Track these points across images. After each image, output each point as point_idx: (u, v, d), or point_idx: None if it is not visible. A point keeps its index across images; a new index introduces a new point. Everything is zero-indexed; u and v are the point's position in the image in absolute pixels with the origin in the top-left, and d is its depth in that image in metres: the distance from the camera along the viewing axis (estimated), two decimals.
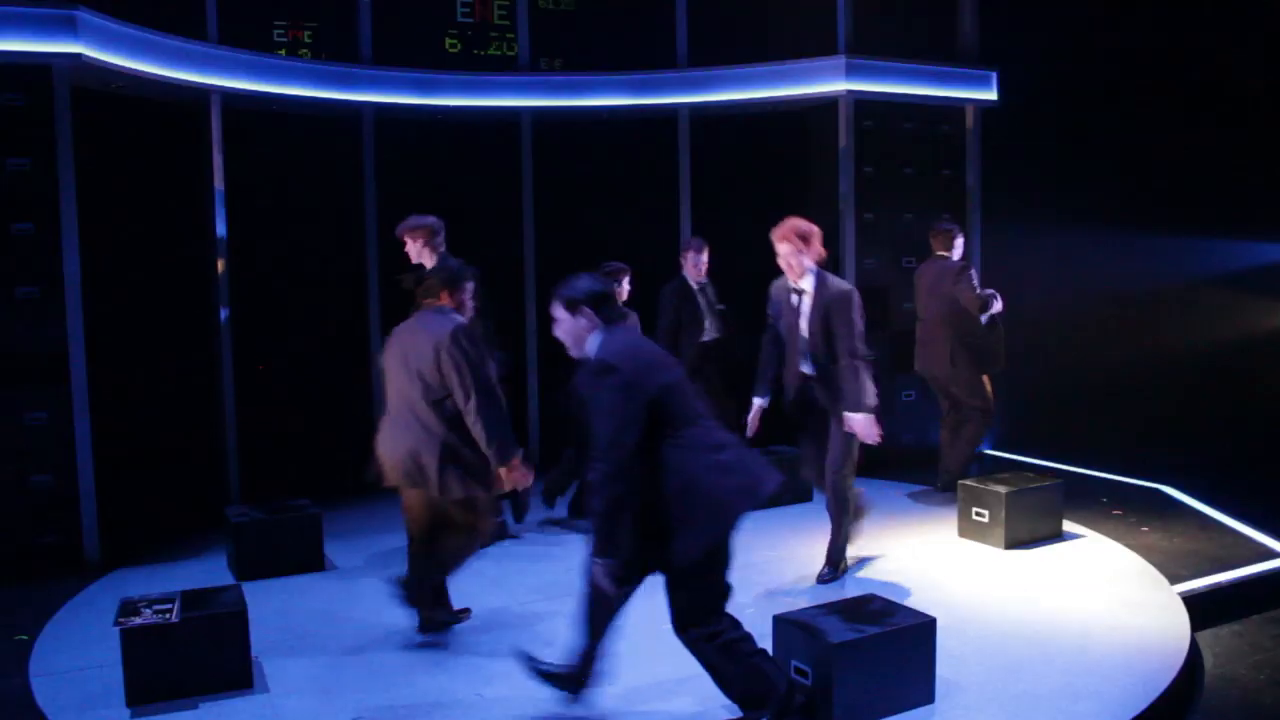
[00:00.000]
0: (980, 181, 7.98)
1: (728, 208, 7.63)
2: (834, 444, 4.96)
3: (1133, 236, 9.01)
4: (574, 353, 3.46)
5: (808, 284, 4.90)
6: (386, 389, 4.42)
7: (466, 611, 4.57)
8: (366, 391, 7.29)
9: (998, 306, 6.46)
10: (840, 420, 4.88)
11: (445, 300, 4.41)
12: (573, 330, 3.43)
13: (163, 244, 6.53)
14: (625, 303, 6.20)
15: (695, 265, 6.48)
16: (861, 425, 4.79)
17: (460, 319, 4.32)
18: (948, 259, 6.62)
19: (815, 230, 4.87)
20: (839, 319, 4.81)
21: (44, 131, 5.31)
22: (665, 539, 3.27)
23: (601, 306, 3.43)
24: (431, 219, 5.42)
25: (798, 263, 4.84)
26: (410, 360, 4.23)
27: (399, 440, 4.26)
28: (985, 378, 6.56)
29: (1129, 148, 8.90)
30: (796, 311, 4.96)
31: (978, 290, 6.41)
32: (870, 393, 4.79)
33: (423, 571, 4.40)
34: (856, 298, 4.87)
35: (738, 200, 7.76)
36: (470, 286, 4.51)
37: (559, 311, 3.44)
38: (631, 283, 6.24)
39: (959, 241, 6.69)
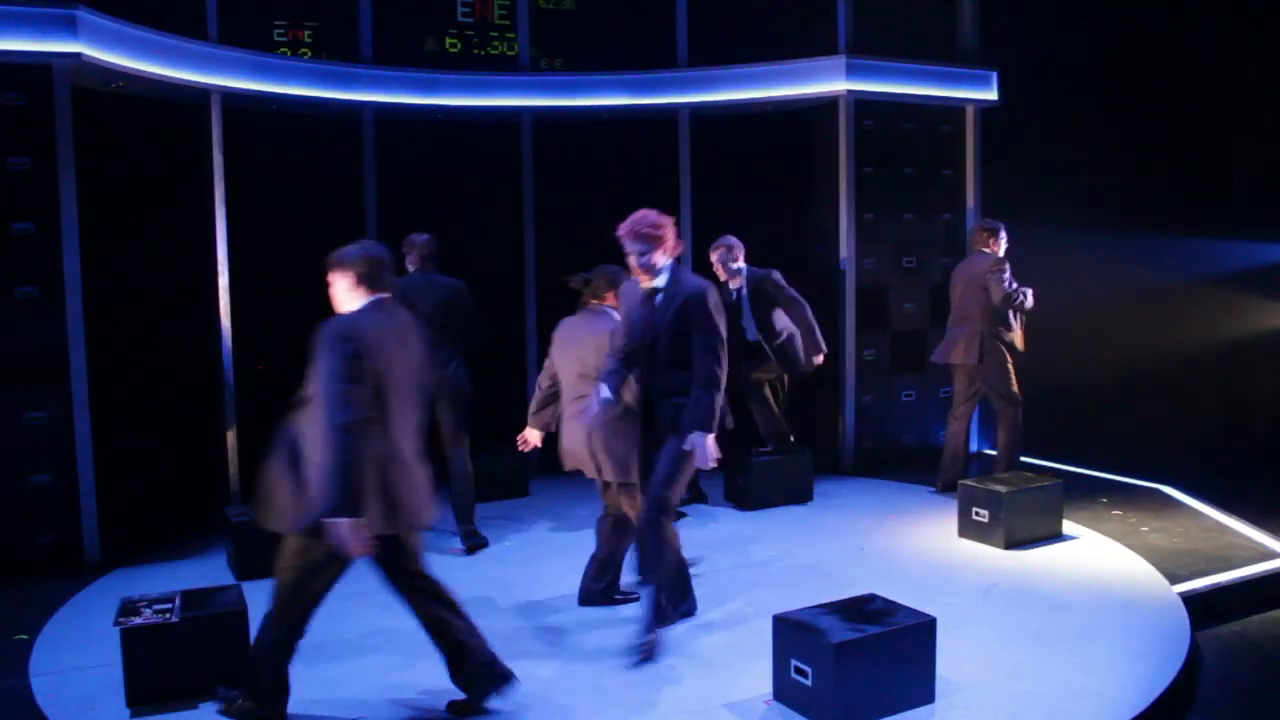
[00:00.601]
0: (980, 181, 7.98)
1: (728, 208, 7.62)
2: (662, 466, 4.21)
3: (1133, 236, 9.02)
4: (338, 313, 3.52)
5: (662, 282, 4.27)
6: (560, 379, 4.83)
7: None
8: None
9: (1027, 304, 6.46)
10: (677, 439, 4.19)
11: (610, 300, 4.79)
12: (337, 292, 3.50)
13: (162, 243, 6.52)
14: None
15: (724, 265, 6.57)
16: (701, 448, 4.12)
17: (618, 319, 4.59)
18: (985, 254, 6.61)
19: (667, 221, 4.27)
20: (697, 324, 4.15)
21: (44, 131, 5.31)
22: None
23: (369, 274, 3.46)
24: (419, 238, 5.82)
25: (648, 262, 4.23)
26: (574, 353, 4.66)
27: (573, 429, 4.64)
28: (1014, 371, 6.54)
29: (1129, 148, 8.92)
30: (653, 313, 4.27)
31: (1006, 286, 6.40)
32: (715, 414, 4.14)
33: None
34: (714, 296, 4.22)
35: (738, 200, 7.75)
36: None
37: (330, 274, 3.51)
38: None
39: (999, 239, 6.63)
